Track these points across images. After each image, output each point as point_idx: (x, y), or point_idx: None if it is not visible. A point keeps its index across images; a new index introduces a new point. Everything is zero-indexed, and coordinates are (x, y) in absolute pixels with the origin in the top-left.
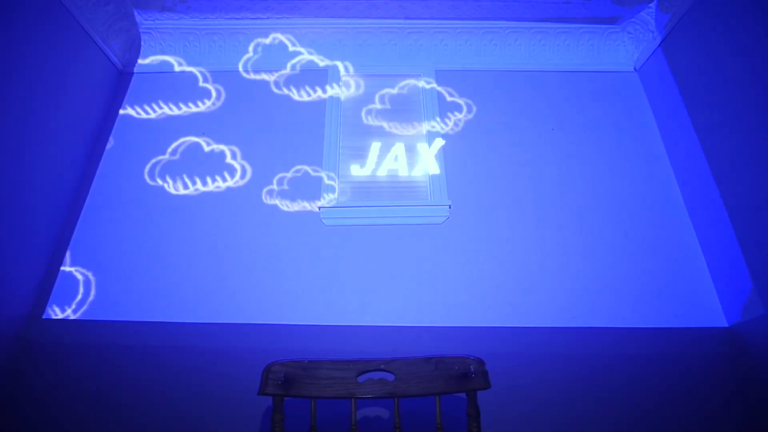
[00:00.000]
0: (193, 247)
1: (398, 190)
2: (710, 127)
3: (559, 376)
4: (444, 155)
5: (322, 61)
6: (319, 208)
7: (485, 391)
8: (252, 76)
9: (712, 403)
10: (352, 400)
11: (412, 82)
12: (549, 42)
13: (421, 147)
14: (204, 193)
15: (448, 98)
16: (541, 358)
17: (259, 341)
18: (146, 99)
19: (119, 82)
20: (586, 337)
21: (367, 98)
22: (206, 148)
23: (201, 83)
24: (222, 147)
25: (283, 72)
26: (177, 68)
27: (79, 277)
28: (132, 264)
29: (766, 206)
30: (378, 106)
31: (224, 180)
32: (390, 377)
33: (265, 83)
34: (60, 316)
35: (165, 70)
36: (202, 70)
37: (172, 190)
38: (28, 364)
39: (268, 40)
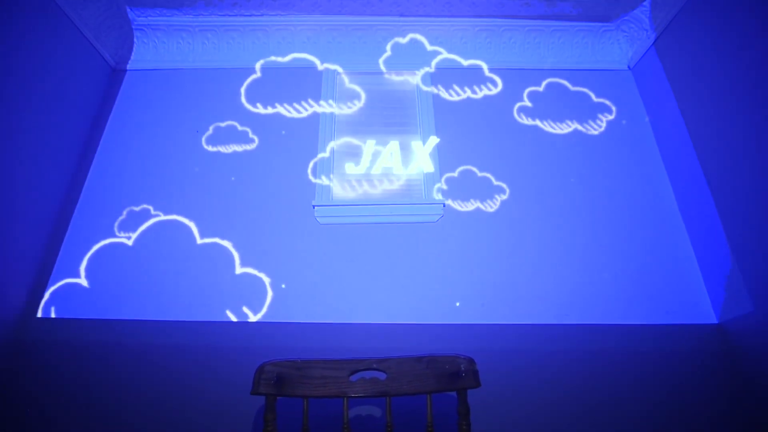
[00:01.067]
0: (186, 245)
1: (392, 188)
2: (703, 125)
3: (550, 373)
4: (438, 153)
5: (321, 65)
6: (313, 206)
7: (476, 390)
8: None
9: (702, 399)
10: (345, 399)
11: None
12: (543, 40)
13: (416, 145)
14: (199, 191)
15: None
16: (532, 355)
17: (251, 340)
18: (139, 97)
19: (112, 79)
20: (577, 334)
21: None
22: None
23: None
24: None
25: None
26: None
27: (75, 276)
28: (125, 263)
29: (756, 204)
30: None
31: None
32: (382, 376)
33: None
34: (54, 315)
35: (158, 68)
36: (196, 67)
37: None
38: (22, 363)
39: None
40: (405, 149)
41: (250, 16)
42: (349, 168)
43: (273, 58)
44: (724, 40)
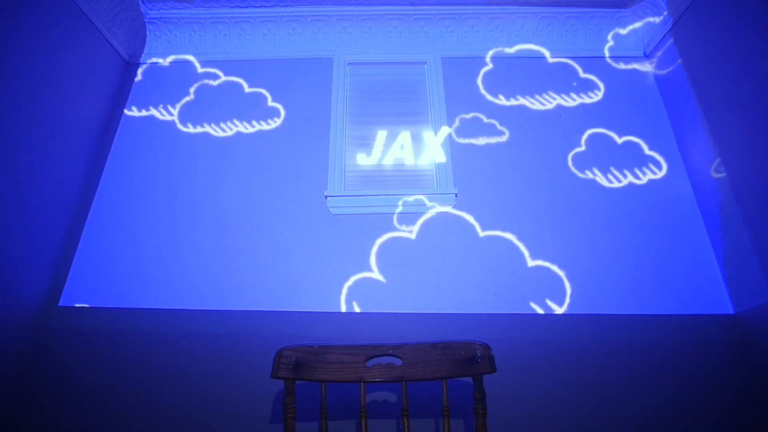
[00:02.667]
0: (205, 236)
1: (404, 178)
2: (721, 114)
3: (564, 361)
4: (450, 143)
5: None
6: (326, 196)
7: (491, 375)
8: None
9: (717, 390)
10: (361, 384)
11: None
12: (557, 27)
13: (427, 135)
14: (213, 185)
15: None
16: (546, 345)
17: (269, 328)
18: (152, 91)
19: (125, 73)
20: (592, 323)
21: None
22: (216, 133)
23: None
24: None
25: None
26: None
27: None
28: (145, 253)
29: None
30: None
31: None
32: (398, 362)
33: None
34: (76, 303)
35: (171, 62)
36: (211, 59)
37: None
38: (44, 352)
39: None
40: (416, 139)
41: (260, 7)
42: (361, 158)
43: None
44: (742, 26)
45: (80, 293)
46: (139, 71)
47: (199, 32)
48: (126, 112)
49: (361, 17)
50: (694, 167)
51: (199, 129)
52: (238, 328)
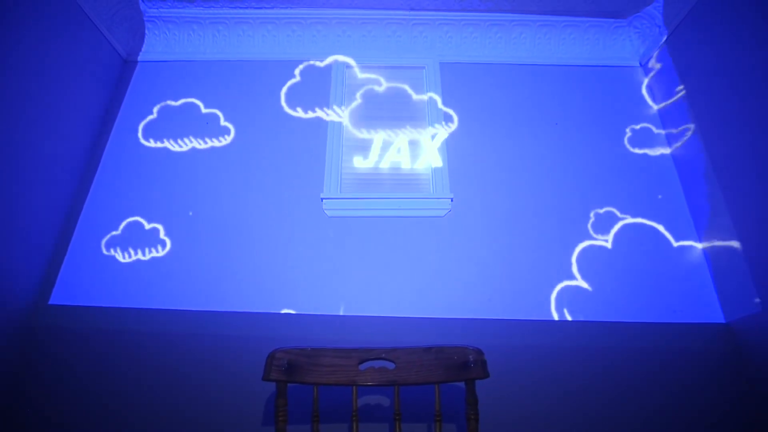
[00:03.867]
0: (199, 236)
1: (400, 182)
2: (713, 123)
3: (556, 368)
4: (446, 148)
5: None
6: (322, 199)
7: (484, 381)
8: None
9: (709, 398)
10: (354, 387)
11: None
12: (554, 35)
13: (424, 140)
14: (210, 184)
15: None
16: (540, 351)
17: (262, 329)
18: (149, 89)
19: (123, 70)
20: (584, 330)
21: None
22: (208, 144)
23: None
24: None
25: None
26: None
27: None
28: (138, 252)
29: (765, 201)
30: None
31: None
32: (391, 366)
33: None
34: (65, 302)
35: (168, 59)
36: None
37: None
38: (34, 350)
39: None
40: (413, 143)
41: (260, 8)
42: (357, 162)
43: (283, 51)
44: (736, 37)
45: (71, 292)
46: (137, 69)
47: (198, 32)
48: (123, 110)
49: (360, 21)
50: (686, 174)
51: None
52: (231, 329)
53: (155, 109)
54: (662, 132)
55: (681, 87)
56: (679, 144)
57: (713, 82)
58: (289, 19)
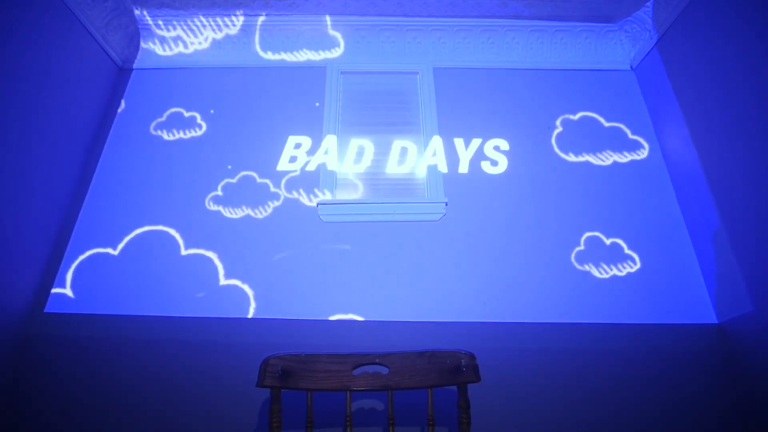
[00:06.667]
0: (193, 242)
1: (395, 187)
2: (705, 126)
3: (549, 370)
4: (441, 152)
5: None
6: (317, 204)
7: (476, 384)
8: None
9: (701, 399)
10: (348, 392)
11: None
12: (546, 40)
13: (418, 144)
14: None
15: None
16: (532, 354)
17: (256, 335)
18: (145, 96)
19: (118, 78)
20: (577, 332)
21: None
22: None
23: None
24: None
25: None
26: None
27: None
28: (131, 259)
29: (757, 203)
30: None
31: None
32: (384, 370)
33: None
34: (61, 310)
35: (164, 66)
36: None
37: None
38: (29, 358)
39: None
40: (407, 148)
41: (254, 16)
42: (352, 167)
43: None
44: (726, 41)
45: (66, 300)
46: (132, 76)
47: (192, 38)
48: (118, 117)
49: (354, 27)
50: (678, 175)
51: (193, 133)
52: (224, 335)
53: (152, 117)
54: (653, 134)
55: (672, 90)
56: (670, 146)
57: (704, 84)
58: (283, 25)
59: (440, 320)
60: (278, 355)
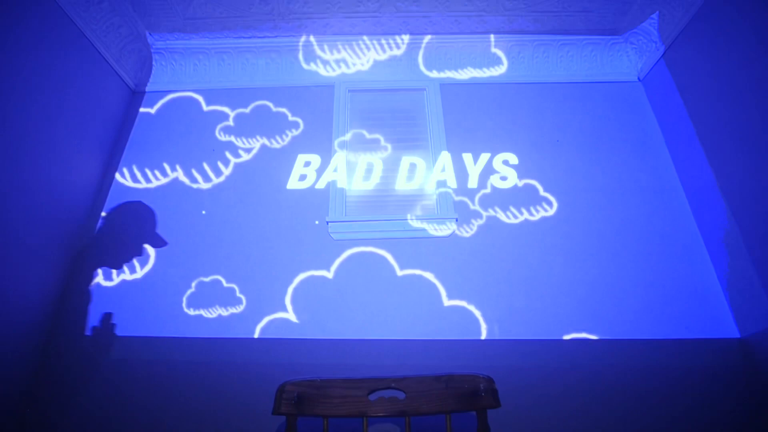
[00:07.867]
0: (207, 262)
1: (405, 203)
2: (716, 136)
3: (569, 388)
4: (449, 168)
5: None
6: (327, 222)
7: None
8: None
9: (724, 415)
10: (364, 419)
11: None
12: (552, 54)
13: (427, 161)
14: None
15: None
16: (551, 372)
17: (270, 356)
18: (156, 117)
19: (132, 101)
20: (598, 349)
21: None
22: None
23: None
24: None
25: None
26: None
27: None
28: (147, 280)
29: None
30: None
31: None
32: (401, 395)
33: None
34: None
35: (172, 89)
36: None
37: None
38: (44, 380)
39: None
40: (416, 165)
41: (263, 38)
42: (361, 184)
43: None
44: (734, 49)
45: (80, 323)
46: (144, 99)
47: (204, 62)
48: (131, 138)
49: (362, 46)
50: (692, 190)
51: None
52: (239, 356)
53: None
54: (664, 145)
55: (681, 100)
56: (682, 157)
57: (712, 94)
58: (292, 46)
59: (455, 338)
60: (293, 382)
